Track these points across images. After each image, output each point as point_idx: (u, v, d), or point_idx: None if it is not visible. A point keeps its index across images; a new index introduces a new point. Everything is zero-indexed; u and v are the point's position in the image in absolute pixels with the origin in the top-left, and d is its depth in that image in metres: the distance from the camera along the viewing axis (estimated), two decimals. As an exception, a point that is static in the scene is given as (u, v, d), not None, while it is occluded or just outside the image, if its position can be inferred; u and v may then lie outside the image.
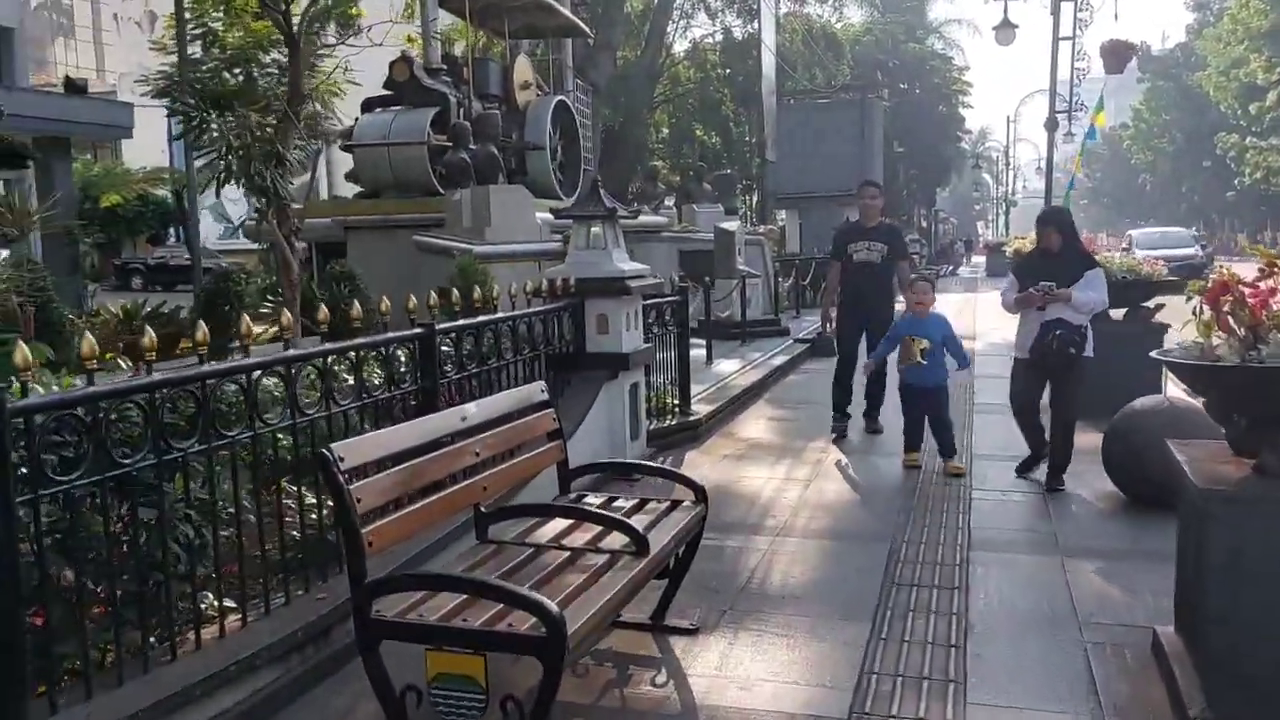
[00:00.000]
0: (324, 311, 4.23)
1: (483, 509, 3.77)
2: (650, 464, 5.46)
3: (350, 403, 4.04)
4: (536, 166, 13.93)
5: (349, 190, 13.66)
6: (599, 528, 3.68)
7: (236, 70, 22.62)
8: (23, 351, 2.79)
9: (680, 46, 32.95)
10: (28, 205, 12.44)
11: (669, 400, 7.85)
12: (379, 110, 12.22)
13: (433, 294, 4.88)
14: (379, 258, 11.04)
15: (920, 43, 43.73)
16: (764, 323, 14.64)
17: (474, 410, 3.75)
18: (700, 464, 6.81)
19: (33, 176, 17.05)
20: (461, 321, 5.09)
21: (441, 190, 11.47)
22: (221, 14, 20.53)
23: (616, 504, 4.03)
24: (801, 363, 12.42)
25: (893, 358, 6.92)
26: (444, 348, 4.76)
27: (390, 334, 4.38)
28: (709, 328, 12.00)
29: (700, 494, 4.11)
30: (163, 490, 3.13)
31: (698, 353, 10.42)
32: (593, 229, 6.38)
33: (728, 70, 31.21)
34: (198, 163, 9.32)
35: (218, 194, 8.00)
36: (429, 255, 10.19)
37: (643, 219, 15.41)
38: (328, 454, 2.90)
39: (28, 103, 18.27)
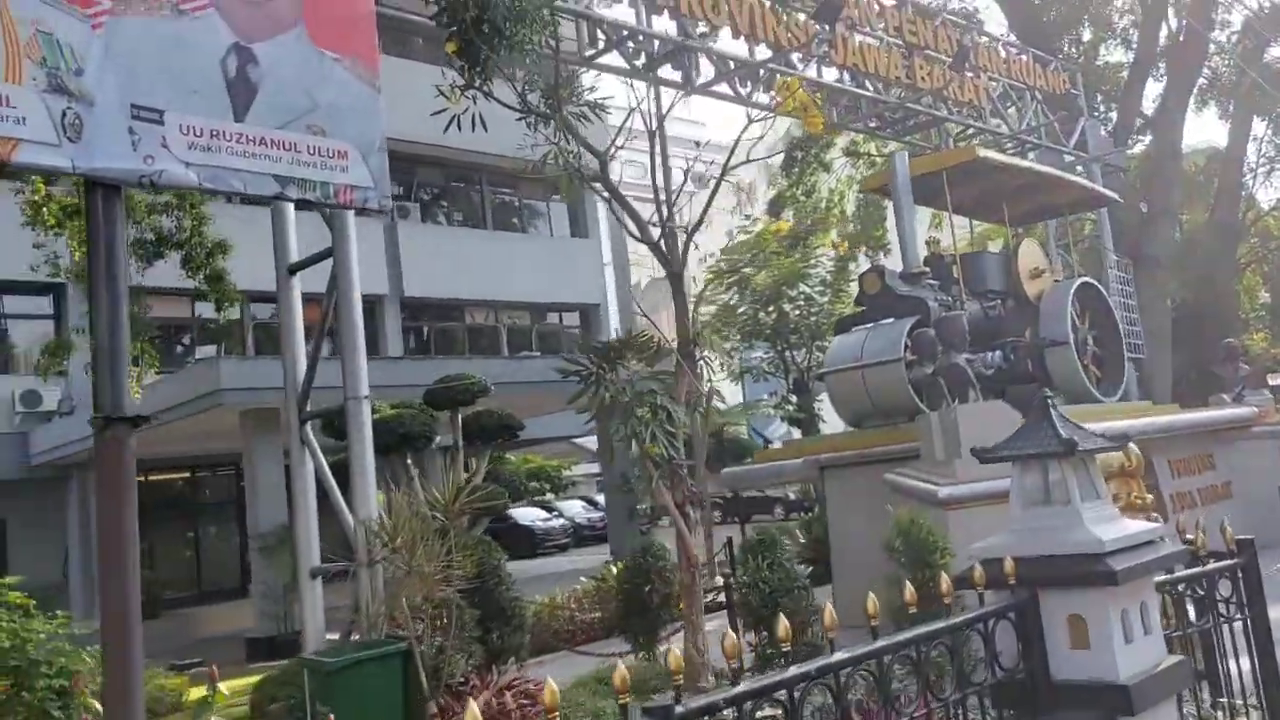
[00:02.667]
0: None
1: None
2: None
3: None
4: (1059, 367, 11.35)
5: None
6: None
7: (770, 309, 22.36)
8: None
9: (1265, 195, 27.53)
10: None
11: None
12: (853, 329, 10.81)
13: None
14: (858, 500, 9.32)
15: None
16: None
17: None
18: None
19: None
20: (771, 679, 3.04)
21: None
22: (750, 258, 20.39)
23: None
24: None
25: None
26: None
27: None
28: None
29: None
30: None
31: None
32: (1049, 474, 4.05)
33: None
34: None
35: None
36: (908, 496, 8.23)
37: (1215, 413, 11.79)
38: None
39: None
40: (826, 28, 12.26)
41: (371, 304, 26.06)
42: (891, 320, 10.34)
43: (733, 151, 7.48)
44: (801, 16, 11.99)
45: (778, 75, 9.36)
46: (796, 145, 28.16)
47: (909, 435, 9.27)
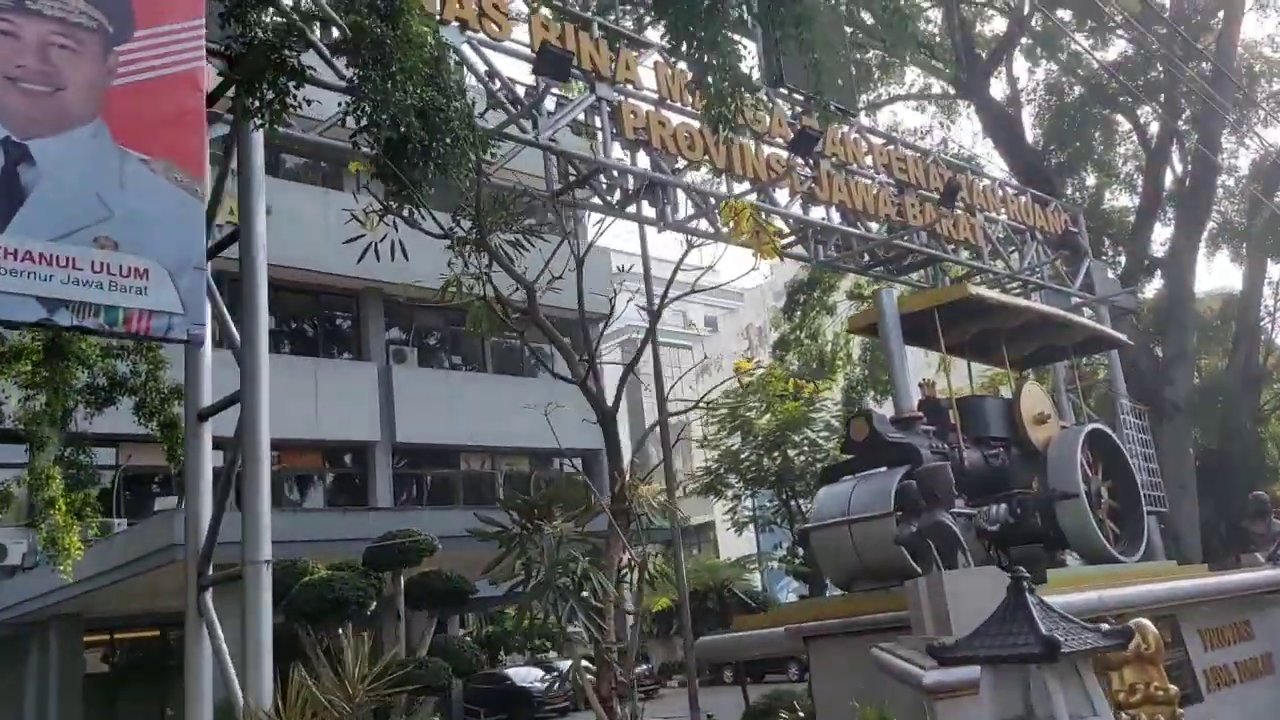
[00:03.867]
0: None
1: None
2: None
3: None
4: (1071, 521, 10.29)
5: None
6: None
7: (775, 454, 21.08)
8: None
9: (1283, 339, 26.77)
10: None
11: None
12: (841, 480, 9.87)
13: None
14: (847, 678, 8.20)
15: None
16: None
17: None
18: None
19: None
20: None
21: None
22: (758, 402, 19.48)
23: None
24: None
25: None
26: None
27: None
28: None
29: None
30: None
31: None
32: (1029, 682, 3.08)
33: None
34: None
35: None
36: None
37: (1250, 575, 10.65)
38: None
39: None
40: (811, 164, 11.84)
41: (362, 450, 25.40)
42: (883, 470, 9.39)
43: (670, 284, 6.81)
44: (784, 154, 11.58)
45: (725, 200, 8.78)
46: (799, 288, 27.78)
47: (901, 602, 8.20)
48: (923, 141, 23.21)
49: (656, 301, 8.07)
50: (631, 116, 9.93)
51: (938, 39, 25.38)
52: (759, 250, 4.98)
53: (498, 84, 8.41)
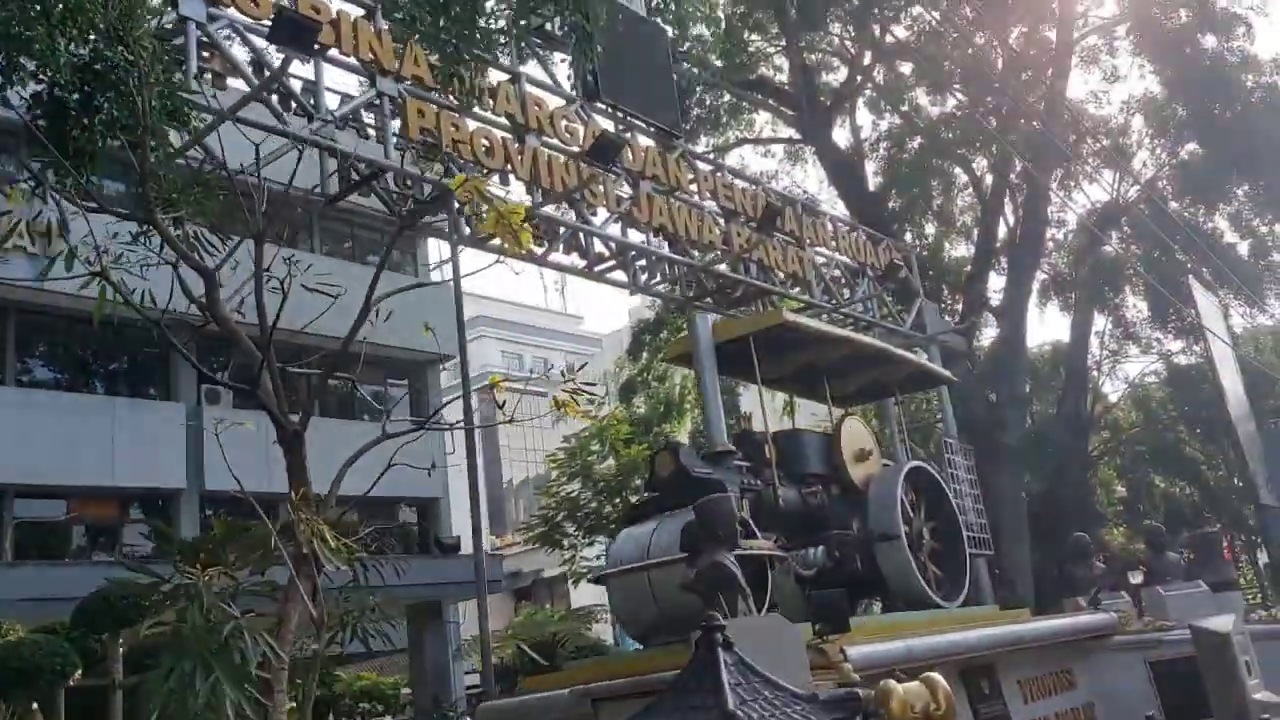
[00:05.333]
0: None
1: None
2: None
3: None
4: (892, 565, 9.67)
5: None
6: None
7: (617, 500, 19.69)
8: None
9: (1112, 386, 27.58)
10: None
11: None
12: (643, 521, 8.96)
13: None
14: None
15: None
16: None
17: None
18: None
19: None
20: None
21: (730, 623, 7.60)
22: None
23: None
24: None
25: None
26: None
27: None
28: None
29: None
30: None
31: None
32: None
33: (1180, 407, 25.09)
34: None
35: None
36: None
37: (1068, 620, 10.22)
38: None
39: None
40: (631, 183, 11.13)
41: (165, 500, 23.15)
42: (688, 508, 8.51)
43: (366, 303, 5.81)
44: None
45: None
46: (645, 329, 27.17)
47: (696, 656, 7.27)
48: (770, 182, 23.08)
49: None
50: (419, 116, 8.96)
51: (786, 86, 25.42)
52: (509, 244, 4.08)
53: (247, 55, 7.31)
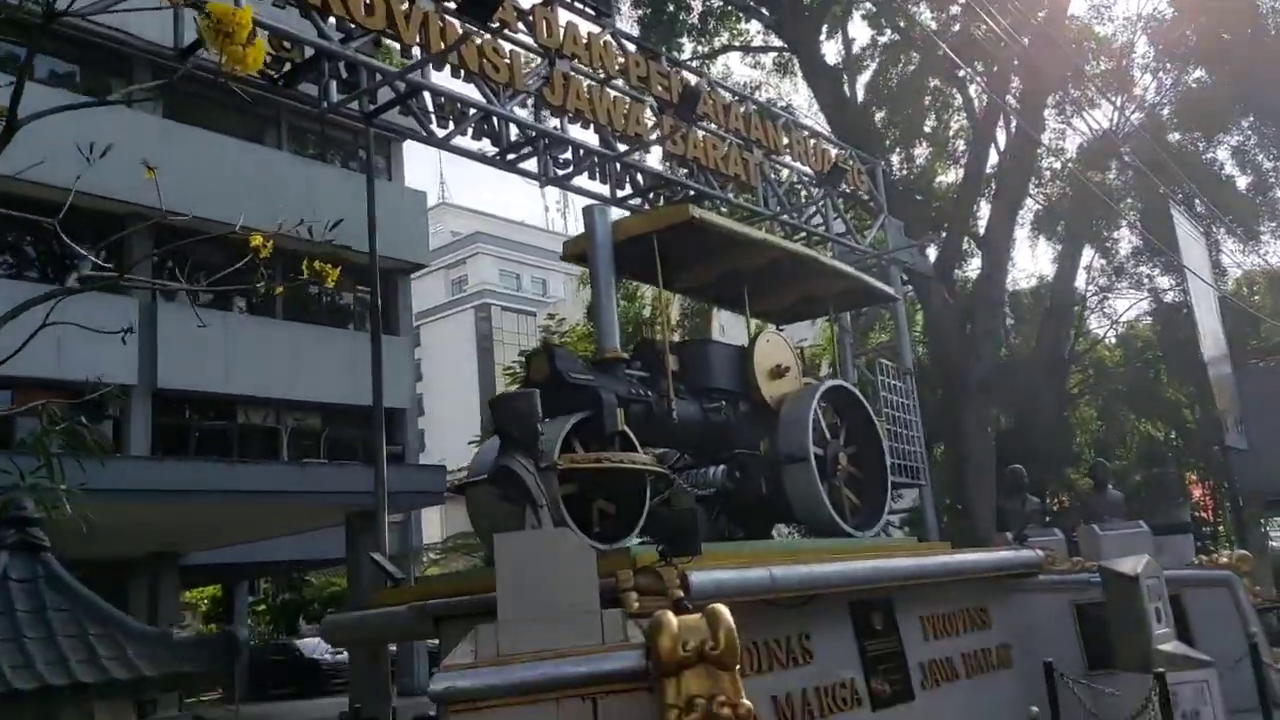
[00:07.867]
0: None
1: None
2: None
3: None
4: (799, 489, 8.86)
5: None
6: None
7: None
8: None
9: (1097, 324, 26.57)
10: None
11: None
12: (514, 428, 8.12)
13: None
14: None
15: None
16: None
17: None
18: None
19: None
20: None
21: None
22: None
23: None
24: None
25: None
26: None
27: None
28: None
29: None
30: None
31: None
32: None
33: (1164, 346, 24.14)
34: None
35: None
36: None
37: (985, 555, 9.46)
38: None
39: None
40: (547, 62, 10.12)
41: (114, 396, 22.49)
42: (560, 417, 7.68)
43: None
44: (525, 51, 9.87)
45: None
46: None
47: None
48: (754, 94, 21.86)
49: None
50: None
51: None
52: (230, 56, 3.21)
53: None
